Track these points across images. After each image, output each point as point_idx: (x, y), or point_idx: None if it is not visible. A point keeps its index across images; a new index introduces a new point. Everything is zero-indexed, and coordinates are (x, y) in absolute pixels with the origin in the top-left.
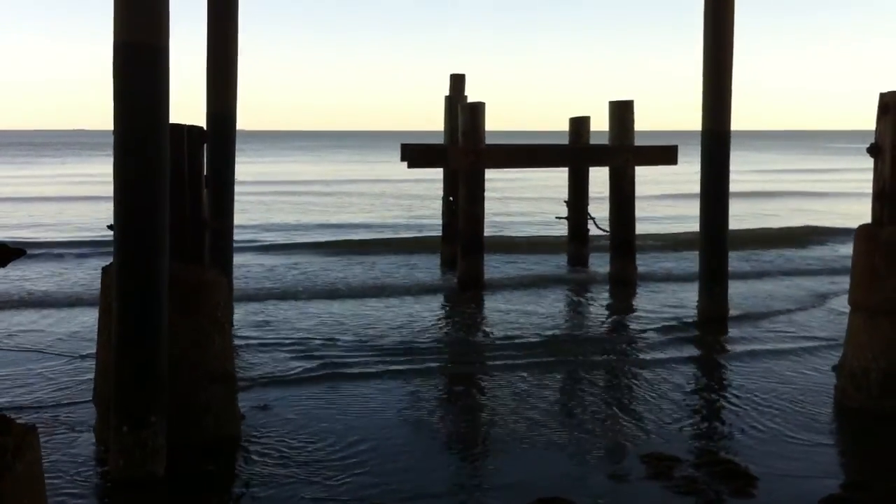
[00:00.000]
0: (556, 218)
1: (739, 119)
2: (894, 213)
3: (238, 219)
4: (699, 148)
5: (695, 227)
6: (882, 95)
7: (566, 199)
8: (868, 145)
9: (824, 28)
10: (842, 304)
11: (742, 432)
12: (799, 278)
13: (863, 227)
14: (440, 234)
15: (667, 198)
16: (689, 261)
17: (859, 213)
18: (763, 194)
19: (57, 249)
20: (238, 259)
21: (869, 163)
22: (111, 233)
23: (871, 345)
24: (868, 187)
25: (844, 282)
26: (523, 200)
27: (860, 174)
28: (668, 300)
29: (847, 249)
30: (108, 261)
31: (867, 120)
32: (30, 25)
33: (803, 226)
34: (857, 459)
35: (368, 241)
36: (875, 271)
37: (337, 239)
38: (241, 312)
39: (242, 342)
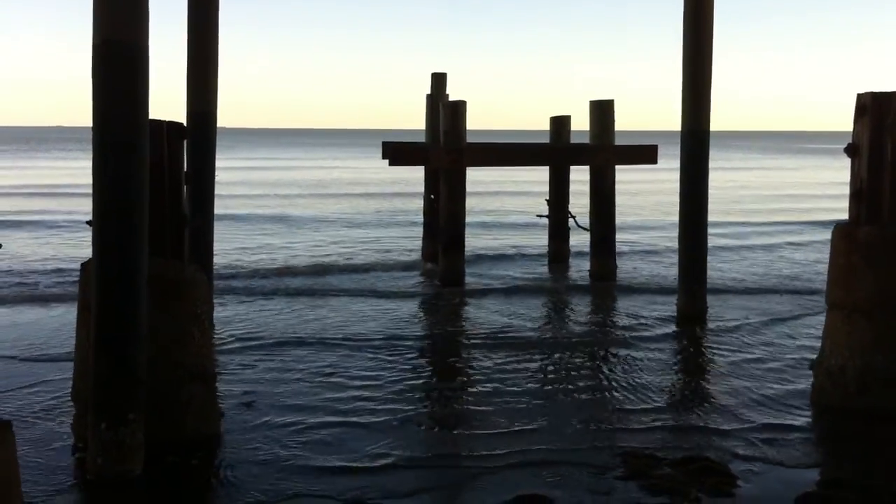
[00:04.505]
0: (538, 216)
1: (717, 120)
2: (871, 212)
3: None
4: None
5: None
6: (859, 96)
7: (547, 198)
8: (846, 145)
9: (802, 33)
10: None
11: (719, 429)
12: None
13: (840, 226)
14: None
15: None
16: None
17: None
18: None
19: None
20: None
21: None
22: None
23: (848, 343)
24: None
25: None
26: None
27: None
28: (651, 301)
29: None
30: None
31: (837, 122)
32: (9, 22)
33: None
34: (835, 457)
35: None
36: (852, 270)
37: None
38: None
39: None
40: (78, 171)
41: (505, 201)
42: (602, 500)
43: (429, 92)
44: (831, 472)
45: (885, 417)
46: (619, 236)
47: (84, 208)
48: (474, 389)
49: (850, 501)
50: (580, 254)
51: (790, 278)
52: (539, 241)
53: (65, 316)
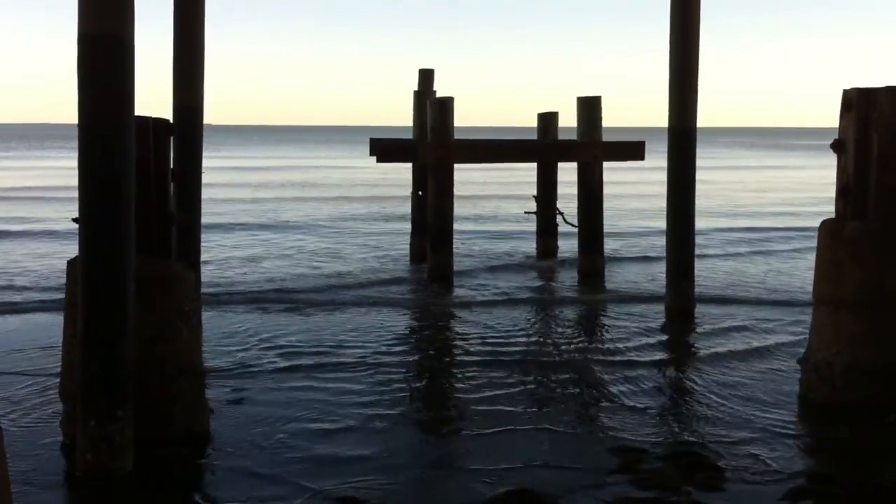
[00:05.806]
0: (525, 213)
1: (703, 116)
2: (857, 208)
3: None
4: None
5: None
6: (845, 92)
7: (535, 195)
8: (832, 141)
9: (783, 28)
10: None
11: (709, 425)
12: None
13: (827, 222)
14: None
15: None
16: None
17: None
18: None
19: None
20: None
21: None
22: (76, 226)
23: (834, 338)
24: None
25: None
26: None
27: None
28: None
29: None
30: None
31: (821, 118)
32: None
33: None
34: (823, 452)
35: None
36: (839, 266)
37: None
38: None
39: None
40: (60, 171)
41: (493, 205)
42: (591, 493)
43: (416, 88)
44: (819, 467)
45: (871, 412)
46: (607, 242)
47: (69, 210)
48: (461, 403)
49: (838, 496)
50: (568, 256)
51: (778, 284)
52: (527, 243)
53: (50, 316)
